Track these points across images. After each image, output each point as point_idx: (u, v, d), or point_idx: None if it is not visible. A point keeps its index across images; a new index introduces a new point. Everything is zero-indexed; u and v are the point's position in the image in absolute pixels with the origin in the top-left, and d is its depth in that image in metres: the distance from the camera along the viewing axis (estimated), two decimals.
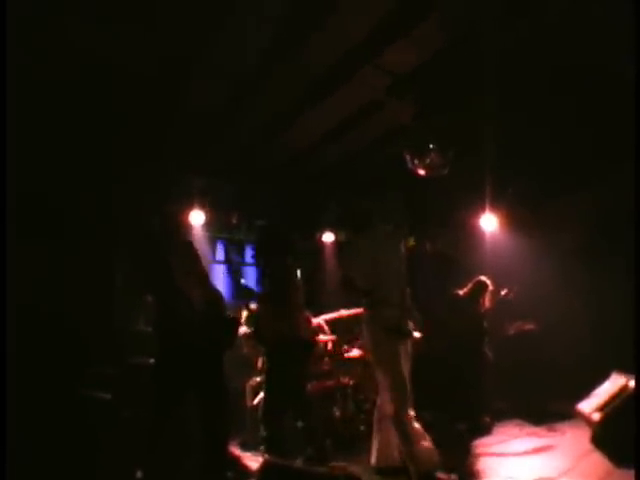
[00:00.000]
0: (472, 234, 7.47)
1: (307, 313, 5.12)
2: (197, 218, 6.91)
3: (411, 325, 4.19)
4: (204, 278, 4.06)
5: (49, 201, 5.45)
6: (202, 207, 6.84)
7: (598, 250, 6.62)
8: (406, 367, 4.03)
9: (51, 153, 5.37)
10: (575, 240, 6.88)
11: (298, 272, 4.78)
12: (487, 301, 6.03)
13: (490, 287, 6.02)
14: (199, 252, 4.16)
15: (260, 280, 4.75)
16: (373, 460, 4.15)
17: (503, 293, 6.02)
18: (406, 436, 3.79)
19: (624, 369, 4.67)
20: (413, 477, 3.70)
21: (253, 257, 8.13)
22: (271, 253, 4.73)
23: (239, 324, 4.34)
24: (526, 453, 4.60)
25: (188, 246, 4.13)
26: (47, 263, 5.06)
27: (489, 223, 7.14)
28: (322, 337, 6.02)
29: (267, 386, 4.44)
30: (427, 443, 3.79)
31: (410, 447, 3.76)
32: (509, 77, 4.95)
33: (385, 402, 4.02)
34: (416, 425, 3.85)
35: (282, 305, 4.50)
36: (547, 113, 5.60)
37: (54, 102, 4.90)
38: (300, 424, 4.40)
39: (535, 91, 5.24)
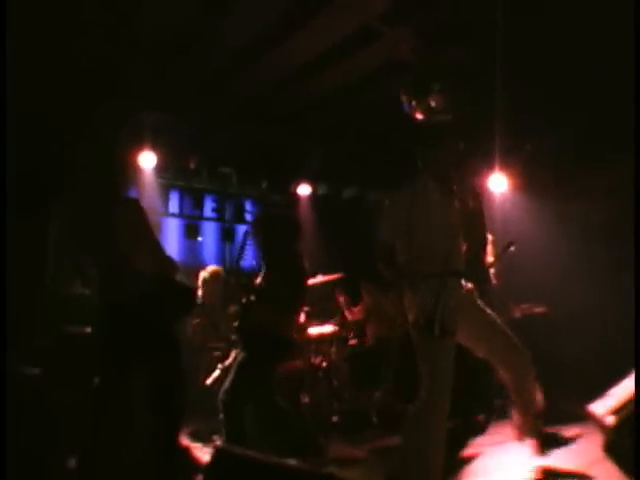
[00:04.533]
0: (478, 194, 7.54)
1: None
2: (148, 161, 6.81)
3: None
4: (153, 242, 4.11)
5: None
6: (154, 148, 6.77)
7: (628, 229, 6.71)
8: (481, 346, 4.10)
9: None
10: (603, 215, 6.95)
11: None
12: (490, 254, 6.07)
13: (490, 237, 6.05)
14: (147, 210, 4.16)
15: (265, 274, 4.84)
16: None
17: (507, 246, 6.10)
18: (421, 447, 3.72)
19: None
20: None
21: (214, 210, 8.28)
22: (282, 240, 4.88)
23: (195, 293, 4.44)
24: (523, 458, 4.61)
25: (135, 204, 4.14)
26: None
27: (499, 183, 7.22)
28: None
29: (238, 376, 4.60)
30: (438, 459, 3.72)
31: (415, 449, 3.74)
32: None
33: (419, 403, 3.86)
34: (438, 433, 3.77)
35: (286, 306, 4.75)
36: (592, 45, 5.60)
37: None
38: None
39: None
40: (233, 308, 5.80)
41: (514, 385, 4.10)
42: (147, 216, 4.09)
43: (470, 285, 4.05)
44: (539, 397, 4.23)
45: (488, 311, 4.05)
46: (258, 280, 4.83)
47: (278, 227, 4.95)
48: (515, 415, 4.26)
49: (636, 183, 3.92)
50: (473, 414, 5.93)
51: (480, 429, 5.73)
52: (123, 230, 3.91)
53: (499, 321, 4.05)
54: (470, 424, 5.79)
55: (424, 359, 3.86)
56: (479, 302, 4.08)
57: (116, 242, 3.89)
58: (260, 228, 5.04)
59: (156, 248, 4.10)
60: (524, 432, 4.27)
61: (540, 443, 4.29)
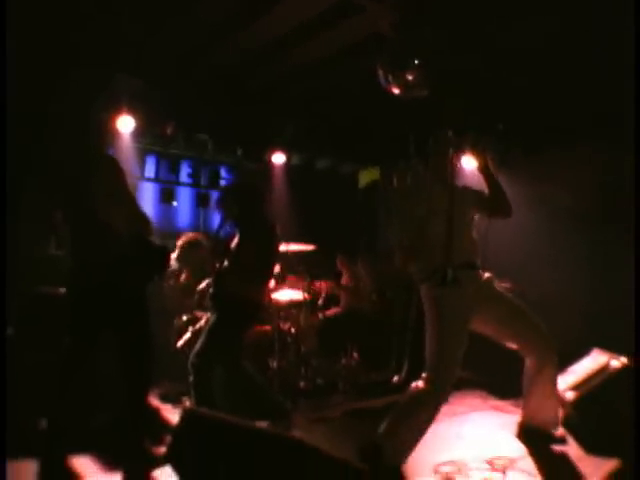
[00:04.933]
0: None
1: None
2: (125, 125, 6.78)
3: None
4: (129, 201, 4.10)
5: None
6: (132, 113, 6.72)
7: (596, 214, 6.81)
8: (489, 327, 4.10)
9: None
10: (571, 198, 7.04)
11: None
12: None
13: None
14: (124, 169, 4.17)
15: (239, 239, 4.89)
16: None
17: None
18: (409, 413, 3.75)
19: (608, 347, 4.95)
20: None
21: (189, 175, 8.26)
22: (253, 207, 4.96)
23: (169, 254, 4.46)
24: (485, 429, 4.84)
25: (111, 162, 4.14)
26: None
27: (469, 160, 7.21)
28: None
29: (208, 339, 4.66)
30: (417, 437, 3.74)
31: (400, 423, 3.74)
32: None
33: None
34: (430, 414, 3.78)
35: (259, 273, 4.86)
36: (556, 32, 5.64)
37: None
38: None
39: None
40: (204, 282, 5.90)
41: (535, 367, 4.09)
42: (123, 173, 4.08)
43: (488, 274, 4.09)
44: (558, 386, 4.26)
45: (508, 296, 4.07)
46: (231, 246, 4.88)
47: (247, 197, 5.01)
48: (530, 399, 4.25)
49: (636, 182, 4.00)
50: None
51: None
52: (98, 184, 3.91)
53: (521, 305, 4.05)
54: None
55: (431, 326, 3.85)
56: (498, 288, 4.10)
57: (90, 197, 3.88)
58: (230, 199, 5.08)
59: (132, 205, 4.09)
60: (538, 419, 4.26)
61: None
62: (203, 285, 5.98)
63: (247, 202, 4.96)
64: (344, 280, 7.67)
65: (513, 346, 4.14)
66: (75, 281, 4.04)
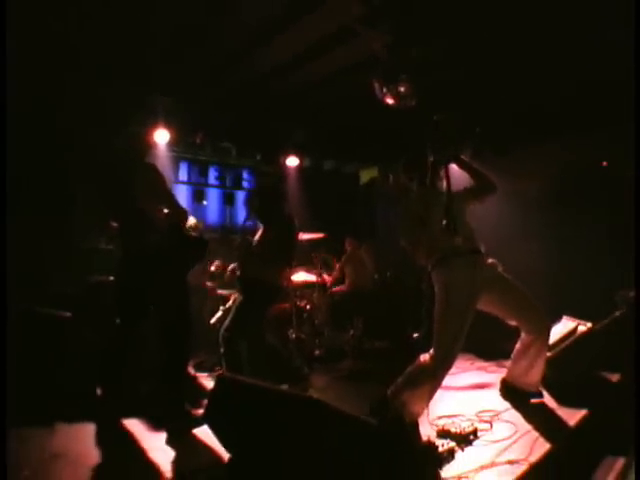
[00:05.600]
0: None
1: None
2: (162, 137, 6.87)
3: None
4: (169, 198, 4.03)
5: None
6: (167, 126, 6.80)
7: (561, 203, 6.85)
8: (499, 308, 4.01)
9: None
10: (539, 190, 7.10)
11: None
12: None
13: None
14: (161, 173, 4.09)
15: (261, 233, 4.88)
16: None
17: None
18: (414, 381, 3.62)
19: (576, 315, 4.98)
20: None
21: (217, 178, 8.26)
22: (273, 204, 4.92)
23: (206, 245, 4.43)
24: (472, 387, 4.84)
25: (150, 167, 4.07)
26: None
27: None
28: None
29: (236, 314, 4.64)
30: (423, 407, 3.65)
31: (406, 389, 3.62)
32: (489, 16, 5.02)
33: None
34: (433, 385, 3.67)
35: (278, 261, 4.80)
36: (528, 55, 5.70)
37: None
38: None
39: (514, 36, 5.32)
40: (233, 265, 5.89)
41: (530, 340, 4.01)
42: (162, 176, 4.03)
43: (492, 260, 4.02)
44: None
45: (510, 279, 3.99)
46: (255, 237, 4.87)
47: (269, 195, 4.98)
48: (518, 365, 4.17)
49: (636, 180, 3.93)
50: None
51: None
52: (140, 187, 3.87)
53: (520, 286, 3.97)
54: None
55: (440, 307, 3.71)
56: (502, 273, 4.01)
57: (135, 197, 3.86)
58: (255, 197, 5.14)
59: (171, 201, 4.02)
60: (521, 382, 4.18)
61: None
62: (232, 266, 5.97)
63: (267, 200, 4.93)
64: (344, 258, 7.65)
65: (513, 322, 4.08)
66: (122, 269, 4.03)
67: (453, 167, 3.85)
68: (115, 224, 4.17)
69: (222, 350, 4.58)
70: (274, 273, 4.76)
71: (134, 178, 3.90)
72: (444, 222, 3.41)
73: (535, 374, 4.10)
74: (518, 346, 4.12)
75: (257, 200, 5.02)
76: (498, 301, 3.96)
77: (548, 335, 4.05)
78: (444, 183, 3.66)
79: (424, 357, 3.69)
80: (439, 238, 3.68)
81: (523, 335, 4.08)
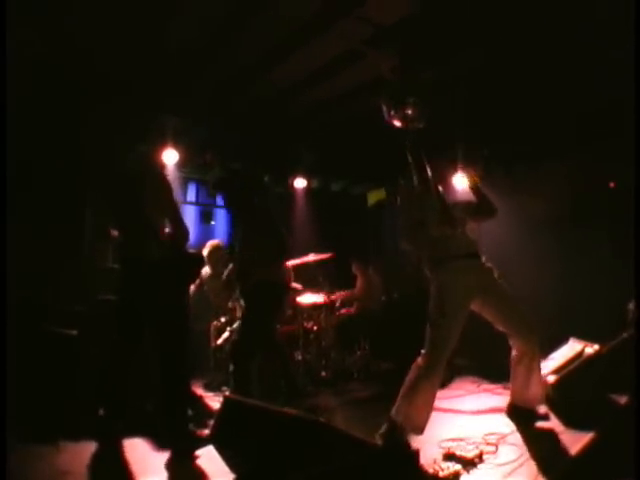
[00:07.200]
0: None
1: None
2: (170, 157, 6.85)
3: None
4: (174, 211, 3.98)
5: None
6: (175, 147, 6.79)
7: (570, 223, 6.83)
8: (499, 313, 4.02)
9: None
10: (548, 210, 7.06)
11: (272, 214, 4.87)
12: None
13: None
14: (170, 184, 4.06)
15: (235, 224, 4.83)
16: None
17: None
18: (412, 387, 3.69)
19: (583, 337, 4.92)
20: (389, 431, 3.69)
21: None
22: (243, 198, 4.76)
23: (202, 262, 4.39)
24: (478, 410, 4.78)
25: (161, 178, 4.05)
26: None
27: (461, 181, 7.25)
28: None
29: (243, 327, 4.58)
30: (425, 419, 3.69)
31: (407, 398, 3.69)
32: (496, 35, 5.11)
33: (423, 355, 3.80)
34: (429, 386, 3.73)
35: (267, 254, 4.59)
36: (534, 78, 5.78)
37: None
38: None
39: (523, 53, 5.39)
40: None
41: (520, 351, 4.04)
42: (170, 185, 4.01)
43: (489, 265, 4.06)
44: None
45: (505, 285, 4.03)
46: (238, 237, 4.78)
47: (236, 185, 4.83)
48: (515, 381, 4.18)
49: (636, 185, 3.96)
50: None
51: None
52: (149, 196, 3.85)
53: (513, 295, 4.01)
54: None
55: (434, 307, 3.81)
56: (498, 280, 4.04)
57: (142, 208, 3.83)
58: (222, 188, 4.96)
59: (176, 215, 3.97)
60: (524, 398, 4.17)
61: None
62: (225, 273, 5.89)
63: (235, 190, 4.79)
64: (358, 283, 7.62)
65: (503, 329, 4.09)
66: (120, 284, 4.00)
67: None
68: (115, 232, 4.11)
69: (231, 368, 4.50)
70: (270, 268, 4.60)
71: (144, 182, 3.90)
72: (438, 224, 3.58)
73: (533, 390, 4.09)
74: (511, 362, 4.14)
75: (225, 193, 4.85)
76: (492, 306, 4.01)
77: (536, 350, 4.04)
78: (437, 185, 3.83)
79: (417, 361, 3.76)
80: (437, 240, 3.81)
81: (513, 352, 4.10)
